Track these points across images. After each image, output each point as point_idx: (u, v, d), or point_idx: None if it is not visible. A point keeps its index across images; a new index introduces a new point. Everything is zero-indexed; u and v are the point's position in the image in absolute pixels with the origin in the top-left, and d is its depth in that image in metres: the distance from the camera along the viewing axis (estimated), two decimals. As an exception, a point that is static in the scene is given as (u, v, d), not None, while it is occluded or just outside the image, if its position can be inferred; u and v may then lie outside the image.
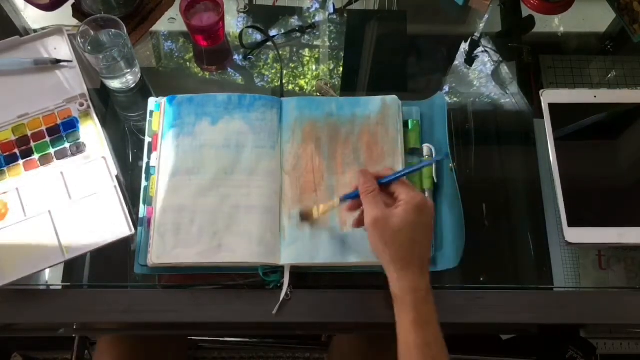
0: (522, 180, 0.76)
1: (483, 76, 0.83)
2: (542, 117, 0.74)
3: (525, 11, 0.88)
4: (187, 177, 0.69)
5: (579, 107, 0.75)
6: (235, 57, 0.84)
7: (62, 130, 0.73)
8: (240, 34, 0.84)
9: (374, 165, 0.70)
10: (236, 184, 0.69)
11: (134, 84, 0.79)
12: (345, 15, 0.88)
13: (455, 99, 0.82)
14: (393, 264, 0.56)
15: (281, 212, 0.68)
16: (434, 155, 0.71)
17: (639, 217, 0.68)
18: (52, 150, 0.72)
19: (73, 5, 0.84)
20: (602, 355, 1.16)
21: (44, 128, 0.74)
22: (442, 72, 0.84)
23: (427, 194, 0.69)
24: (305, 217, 0.67)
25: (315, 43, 0.85)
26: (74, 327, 0.75)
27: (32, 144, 0.73)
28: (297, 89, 0.81)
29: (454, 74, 0.84)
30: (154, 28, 0.86)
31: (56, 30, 0.79)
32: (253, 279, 0.67)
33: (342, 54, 0.84)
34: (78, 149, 0.72)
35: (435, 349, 0.54)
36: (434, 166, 0.70)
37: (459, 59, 0.85)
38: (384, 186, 0.59)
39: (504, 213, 0.73)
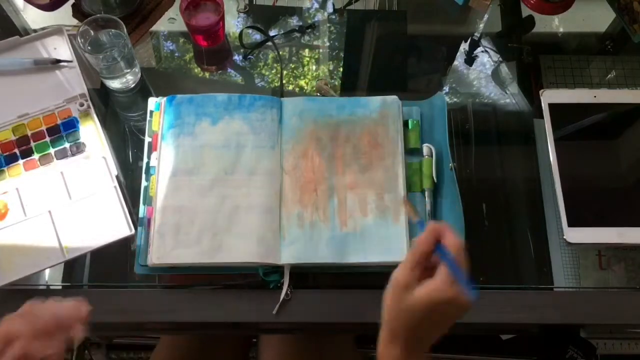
0: (522, 180, 0.76)
1: (483, 76, 0.83)
2: (542, 117, 0.74)
3: (525, 11, 0.88)
4: (187, 177, 0.69)
5: (579, 107, 0.75)
6: (235, 57, 0.84)
7: (62, 130, 0.74)
8: (240, 34, 0.84)
9: (374, 165, 0.70)
10: (236, 184, 0.69)
11: (134, 84, 0.79)
12: (345, 15, 0.88)
13: (455, 99, 0.82)
14: (386, 329, 0.53)
15: (281, 212, 0.68)
16: (434, 154, 0.70)
17: (639, 217, 0.68)
18: (52, 150, 0.72)
19: (73, 5, 0.84)
20: (602, 355, 1.16)
21: (44, 128, 0.74)
22: (442, 72, 0.84)
23: (426, 193, 0.69)
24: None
25: (315, 43, 0.85)
26: (74, 327, 0.75)
27: (32, 143, 0.73)
28: (297, 89, 0.81)
29: (454, 74, 0.84)
30: (154, 28, 0.86)
31: (56, 30, 0.79)
32: (253, 279, 0.67)
33: (342, 54, 0.84)
34: (78, 149, 0.72)
35: None
36: (434, 166, 0.70)
37: (459, 59, 0.85)
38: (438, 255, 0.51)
39: (504, 213, 0.73)
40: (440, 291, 0.48)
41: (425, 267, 0.51)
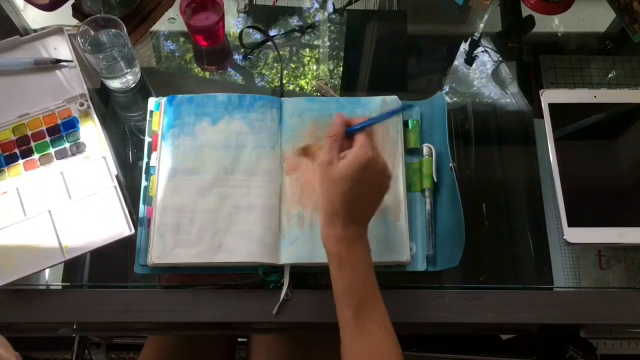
0: (522, 180, 0.76)
1: (483, 76, 0.83)
2: (542, 117, 0.74)
3: (525, 11, 0.88)
4: (187, 177, 0.69)
5: (579, 107, 0.75)
6: (235, 57, 0.84)
7: (62, 130, 0.74)
8: (240, 34, 0.84)
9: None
10: (236, 184, 0.69)
11: (134, 84, 0.79)
12: (345, 15, 0.88)
13: (455, 99, 0.82)
14: (323, 213, 0.56)
15: (281, 212, 0.68)
16: (434, 154, 0.71)
17: (639, 217, 0.68)
18: (52, 150, 0.72)
19: (73, 5, 0.84)
20: (602, 355, 1.16)
21: (44, 128, 0.74)
22: (442, 72, 0.84)
23: (426, 193, 0.69)
24: (304, 153, 0.70)
25: (315, 43, 0.85)
26: (74, 327, 0.75)
27: (32, 143, 0.73)
28: (297, 89, 0.81)
29: (454, 74, 0.84)
30: (154, 28, 0.86)
31: (56, 30, 0.79)
32: (253, 279, 0.67)
33: (342, 54, 0.84)
34: (78, 149, 0.72)
35: (363, 291, 0.54)
36: (434, 166, 0.70)
37: (459, 59, 0.85)
38: (352, 134, 0.58)
39: (504, 213, 0.73)
40: (361, 155, 0.54)
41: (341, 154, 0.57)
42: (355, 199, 0.55)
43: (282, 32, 0.85)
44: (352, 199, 0.55)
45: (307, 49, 0.85)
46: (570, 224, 0.68)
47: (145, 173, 0.71)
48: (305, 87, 0.81)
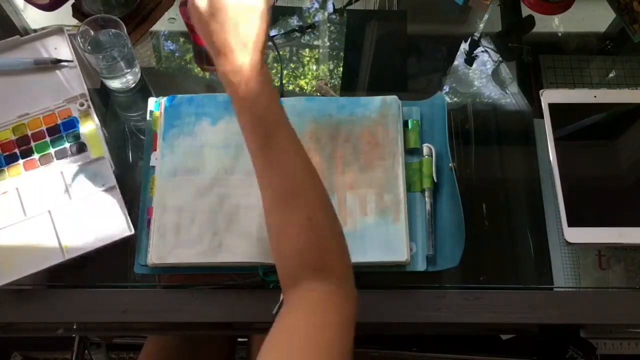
0: (522, 180, 0.76)
1: (483, 76, 0.83)
2: (542, 117, 0.74)
3: (525, 11, 0.88)
4: (187, 177, 0.69)
5: (579, 107, 0.75)
6: (235, 57, 0.84)
7: (62, 130, 0.74)
8: (240, 34, 0.84)
9: (374, 164, 0.70)
10: (236, 184, 0.69)
11: (134, 84, 0.79)
12: (345, 15, 0.88)
13: (455, 99, 0.82)
14: (212, 53, 0.53)
15: (281, 212, 0.68)
16: (434, 154, 0.70)
17: (639, 217, 0.68)
18: (52, 150, 0.72)
19: (73, 5, 0.84)
20: (602, 355, 1.16)
21: (44, 128, 0.74)
22: (442, 72, 0.84)
23: (426, 193, 0.69)
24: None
25: (315, 43, 0.85)
26: (74, 327, 0.75)
27: (32, 143, 0.73)
28: (297, 89, 0.81)
29: (454, 74, 0.84)
30: (154, 28, 0.86)
31: (56, 30, 0.79)
32: (253, 279, 0.67)
33: (342, 54, 0.84)
34: (78, 149, 0.72)
35: (267, 120, 0.52)
36: (434, 166, 0.69)
37: (459, 59, 0.85)
38: None
39: (504, 213, 0.73)
40: None
41: None
42: (235, 26, 0.52)
43: (282, 32, 0.85)
44: (231, 28, 0.51)
45: (307, 49, 0.85)
46: (570, 224, 0.67)
47: (145, 173, 0.71)
48: (305, 87, 0.81)
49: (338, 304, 0.48)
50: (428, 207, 0.69)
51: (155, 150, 0.71)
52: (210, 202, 0.68)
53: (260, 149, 0.53)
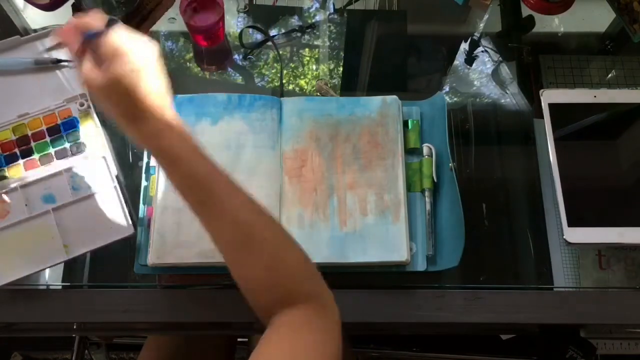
0: (522, 180, 0.76)
1: (483, 76, 0.83)
2: (542, 117, 0.74)
3: (525, 11, 0.88)
4: (187, 177, 0.69)
5: (579, 107, 0.75)
6: (235, 57, 0.84)
7: (62, 130, 0.73)
8: (240, 34, 0.84)
9: (374, 164, 0.70)
10: (236, 184, 0.69)
11: (134, 84, 0.79)
12: (345, 15, 0.88)
13: (455, 99, 0.82)
14: (118, 121, 0.51)
15: (281, 212, 0.68)
16: (434, 153, 0.71)
17: (639, 217, 0.68)
18: (52, 150, 0.72)
19: (73, 5, 0.84)
20: (602, 355, 1.16)
21: (44, 128, 0.74)
22: (442, 72, 0.84)
23: (426, 193, 0.69)
24: None
25: (315, 43, 0.85)
26: (74, 327, 0.75)
27: (32, 143, 0.73)
28: (297, 89, 0.81)
29: (454, 74, 0.84)
30: (154, 28, 0.85)
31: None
32: (253, 279, 0.67)
33: (342, 54, 0.84)
34: (78, 149, 0.72)
35: (199, 172, 0.51)
36: (434, 166, 0.70)
37: (459, 59, 0.85)
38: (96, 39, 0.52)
39: (504, 213, 0.73)
40: (105, 53, 0.50)
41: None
42: (133, 92, 0.49)
43: (282, 32, 0.85)
44: (131, 93, 0.49)
45: (307, 49, 0.85)
46: (570, 224, 0.67)
47: (145, 173, 0.71)
48: (305, 87, 0.81)
49: (317, 321, 0.49)
50: (428, 207, 0.69)
51: (155, 150, 0.71)
52: (210, 202, 0.68)
53: (200, 205, 0.52)
